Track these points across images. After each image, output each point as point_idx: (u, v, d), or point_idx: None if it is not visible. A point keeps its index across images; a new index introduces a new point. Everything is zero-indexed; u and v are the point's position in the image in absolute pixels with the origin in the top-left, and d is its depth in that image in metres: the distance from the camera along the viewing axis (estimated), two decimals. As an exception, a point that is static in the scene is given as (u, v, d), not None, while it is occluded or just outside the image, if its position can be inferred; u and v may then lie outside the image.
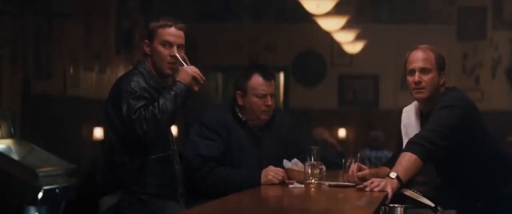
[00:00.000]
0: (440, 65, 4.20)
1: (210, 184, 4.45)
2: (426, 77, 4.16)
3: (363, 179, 4.18)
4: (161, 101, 4.00)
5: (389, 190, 3.79)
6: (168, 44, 4.14)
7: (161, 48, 4.14)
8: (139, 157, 4.08)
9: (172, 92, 4.04)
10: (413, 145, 3.98)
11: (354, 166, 4.24)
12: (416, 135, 4.05)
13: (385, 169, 4.33)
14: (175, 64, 4.15)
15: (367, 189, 3.84)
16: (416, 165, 3.93)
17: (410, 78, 4.19)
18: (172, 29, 4.17)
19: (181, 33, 4.19)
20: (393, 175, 3.87)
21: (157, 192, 4.10)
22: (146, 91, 4.04)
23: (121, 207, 4.07)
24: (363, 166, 4.27)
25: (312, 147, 4.25)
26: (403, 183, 3.88)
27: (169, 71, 4.16)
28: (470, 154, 4.15)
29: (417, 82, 4.16)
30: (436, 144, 3.97)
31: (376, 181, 3.86)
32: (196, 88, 4.13)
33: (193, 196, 4.41)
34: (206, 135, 4.52)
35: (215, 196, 3.96)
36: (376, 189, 3.81)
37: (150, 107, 3.97)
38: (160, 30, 4.16)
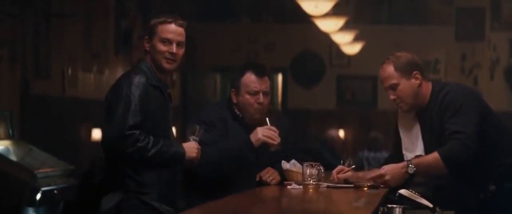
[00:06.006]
0: (405, 70, 4.22)
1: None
2: (397, 92, 4.22)
3: (347, 181, 4.29)
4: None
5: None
6: (167, 41, 4.08)
7: (160, 45, 4.08)
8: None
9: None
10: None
11: (336, 169, 4.33)
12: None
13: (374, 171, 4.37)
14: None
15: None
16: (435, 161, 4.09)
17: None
18: (172, 26, 4.10)
19: (181, 30, 4.13)
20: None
21: (156, 192, 4.05)
22: (143, 98, 3.96)
23: (121, 207, 4.04)
24: (346, 168, 4.34)
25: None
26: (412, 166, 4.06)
27: (167, 67, 4.10)
28: (485, 140, 4.18)
29: (394, 99, 4.24)
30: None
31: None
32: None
33: (192, 195, 4.42)
34: (206, 130, 4.47)
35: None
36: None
37: (160, 142, 3.97)
38: (160, 27, 4.09)
